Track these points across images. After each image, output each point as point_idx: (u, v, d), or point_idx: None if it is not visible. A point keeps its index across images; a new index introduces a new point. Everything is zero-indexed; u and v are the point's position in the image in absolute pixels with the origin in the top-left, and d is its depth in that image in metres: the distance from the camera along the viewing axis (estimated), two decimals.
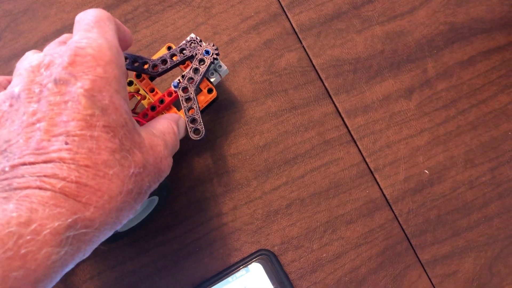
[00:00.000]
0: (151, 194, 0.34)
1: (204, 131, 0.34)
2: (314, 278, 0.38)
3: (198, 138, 0.34)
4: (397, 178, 0.40)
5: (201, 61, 0.35)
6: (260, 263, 0.37)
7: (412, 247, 0.38)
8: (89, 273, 0.38)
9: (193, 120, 0.34)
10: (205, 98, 0.36)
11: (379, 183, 0.39)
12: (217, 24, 0.43)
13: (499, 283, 0.37)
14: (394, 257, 0.38)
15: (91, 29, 0.27)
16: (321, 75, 0.42)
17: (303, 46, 0.43)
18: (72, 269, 0.38)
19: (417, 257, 0.38)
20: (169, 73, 0.40)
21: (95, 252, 0.37)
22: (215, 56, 0.35)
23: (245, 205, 0.39)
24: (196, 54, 0.35)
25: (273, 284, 0.36)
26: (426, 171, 0.40)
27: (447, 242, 0.38)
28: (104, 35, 0.27)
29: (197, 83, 0.34)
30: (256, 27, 0.43)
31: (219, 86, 0.41)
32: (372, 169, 0.40)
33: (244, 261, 0.37)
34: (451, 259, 0.38)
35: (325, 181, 0.40)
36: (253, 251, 0.38)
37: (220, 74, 0.37)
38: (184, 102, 0.34)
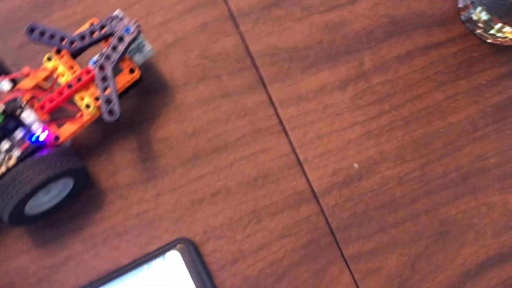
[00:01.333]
0: (62, 177, 0.32)
1: (119, 113, 0.32)
2: (235, 269, 0.37)
3: (113, 119, 0.32)
4: (325, 170, 0.39)
5: (121, 39, 0.33)
6: (179, 251, 0.36)
7: (336, 241, 0.37)
8: None
9: (108, 101, 0.33)
10: (126, 78, 0.35)
11: (307, 175, 0.38)
12: (152, 4, 0.41)
13: (420, 281, 0.37)
14: (317, 251, 0.37)
15: None
16: (256, 63, 0.41)
17: (240, 32, 0.41)
18: None
19: (341, 251, 0.37)
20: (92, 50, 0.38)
21: (8, 235, 0.36)
22: (135, 35, 0.33)
23: (168, 192, 0.38)
24: (116, 32, 0.33)
25: (190, 274, 0.35)
26: (356, 165, 0.39)
27: (372, 238, 0.37)
28: None
29: (115, 62, 0.33)
30: (192, 10, 0.41)
31: (149, 68, 0.39)
32: (301, 160, 0.39)
33: (161, 250, 0.36)
34: (375, 255, 0.37)
35: (254, 171, 0.39)
36: (171, 241, 0.36)
37: (144, 54, 0.35)
38: (100, 81, 0.33)
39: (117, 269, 0.36)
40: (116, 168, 0.38)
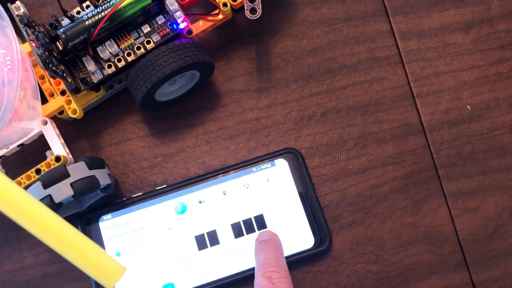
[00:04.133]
0: (195, 67, 0.33)
1: (260, 12, 0.33)
2: (336, 186, 0.38)
3: (254, 18, 0.33)
4: (438, 107, 0.39)
5: None
6: (286, 160, 0.37)
7: (439, 176, 0.38)
8: (115, 138, 0.38)
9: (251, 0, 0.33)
10: None
11: (419, 109, 0.39)
12: None
13: None
14: (418, 183, 0.38)
15: None
16: None
17: None
18: (102, 130, 0.38)
19: (442, 187, 0.38)
20: None
21: (126, 120, 0.37)
22: None
23: (280, 104, 0.39)
24: None
25: (295, 182, 0.37)
26: (468, 106, 0.39)
27: (475, 179, 0.38)
28: None
29: None
30: None
31: None
32: (415, 94, 0.39)
33: (271, 155, 0.37)
34: (474, 195, 0.38)
35: (366, 97, 0.39)
36: (281, 149, 0.38)
37: None
38: None
39: (227, 166, 0.37)
40: (233, 74, 0.40)
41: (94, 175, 0.32)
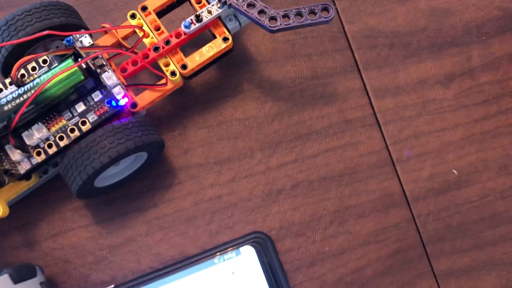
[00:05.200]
0: (141, 149, 0.28)
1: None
2: (312, 272, 0.33)
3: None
4: (421, 174, 0.35)
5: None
6: (254, 247, 0.32)
7: (427, 254, 0.33)
8: (54, 229, 0.33)
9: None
10: (219, 46, 0.31)
11: (400, 176, 0.34)
12: None
13: None
14: (405, 263, 0.33)
15: None
16: (352, 45, 0.36)
17: (336, 9, 0.37)
18: (38, 221, 0.33)
19: (431, 266, 0.33)
20: (179, 13, 0.34)
21: (66, 207, 0.32)
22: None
23: (245, 178, 0.34)
24: None
25: (264, 273, 0.32)
26: (455, 171, 0.35)
27: (467, 255, 0.33)
28: None
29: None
30: None
31: (234, 39, 0.35)
32: (395, 160, 0.35)
33: (236, 242, 0.32)
34: (468, 274, 0.33)
35: (340, 165, 0.35)
36: (248, 232, 0.33)
37: (240, 22, 0.31)
38: None
39: (185, 258, 0.32)
40: (190, 145, 0.35)
41: None
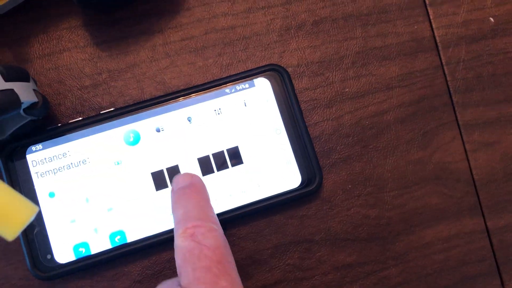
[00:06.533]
0: None
1: None
2: (328, 114, 0.30)
3: None
4: (454, 19, 0.31)
5: None
6: (269, 80, 0.29)
7: (453, 103, 0.31)
8: (48, 47, 0.30)
9: None
10: None
11: (432, 20, 0.31)
12: None
13: None
14: (429, 111, 0.31)
15: None
16: None
17: None
18: (30, 38, 0.29)
19: (456, 116, 0.31)
20: None
21: (62, 25, 0.28)
22: None
23: (262, 9, 0.31)
24: None
25: (279, 108, 0.29)
26: (492, 18, 0.31)
27: (496, 107, 0.31)
28: None
29: None
30: None
31: None
32: (428, 2, 0.31)
33: (249, 73, 0.29)
34: (494, 127, 0.31)
35: (368, 2, 0.31)
36: (263, 65, 0.30)
37: None
38: None
39: (193, 86, 0.29)
40: None
41: (12, 89, 0.24)
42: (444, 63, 0.31)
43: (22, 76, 0.25)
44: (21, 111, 0.25)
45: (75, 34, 0.30)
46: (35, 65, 0.29)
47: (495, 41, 0.32)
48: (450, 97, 0.31)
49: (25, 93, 0.25)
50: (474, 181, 0.31)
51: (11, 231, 0.16)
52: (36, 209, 0.17)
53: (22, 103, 0.24)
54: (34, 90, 0.26)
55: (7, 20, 0.29)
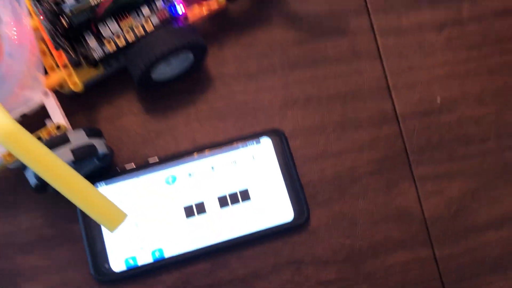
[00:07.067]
0: (189, 47, 0.36)
1: None
2: (315, 166, 0.41)
3: None
4: (411, 99, 0.42)
5: None
6: (271, 139, 0.40)
7: (409, 161, 0.41)
8: (111, 114, 0.41)
9: None
10: None
11: (394, 99, 0.42)
12: None
13: (477, 209, 0.41)
14: (391, 167, 0.41)
15: None
16: None
17: None
18: (98, 106, 0.40)
19: (411, 171, 0.41)
20: None
21: (122, 98, 0.40)
22: None
23: (267, 89, 0.42)
24: None
25: (278, 160, 0.39)
26: (439, 99, 0.42)
27: (442, 165, 0.41)
28: None
29: None
30: None
31: None
32: (391, 86, 0.42)
33: (256, 134, 0.40)
34: (441, 179, 0.41)
35: (346, 87, 0.42)
36: (267, 129, 0.41)
37: None
38: None
39: (215, 143, 0.40)
40: (225, 60, 0.42)
41: (92, 143, 0.35)
42: (403, 131, 0.42)
43: (98, 134, 0.36)
44: (95, 159, 0.36)
45: (131, 105, 0.41)
46: (101, 126, 0.40)
47: (441, 116, 0.42)
48: (408, 157, 0.41)
49: (100, 146, 0.36)
50: (425, 220, 0.40)
51: (113, 225, 0.26)
52: (126, 214, 0.27)
53: (99, 153, 0.35)
54: (104, 144, 0.37)
55: (81, 93, 0.40)
